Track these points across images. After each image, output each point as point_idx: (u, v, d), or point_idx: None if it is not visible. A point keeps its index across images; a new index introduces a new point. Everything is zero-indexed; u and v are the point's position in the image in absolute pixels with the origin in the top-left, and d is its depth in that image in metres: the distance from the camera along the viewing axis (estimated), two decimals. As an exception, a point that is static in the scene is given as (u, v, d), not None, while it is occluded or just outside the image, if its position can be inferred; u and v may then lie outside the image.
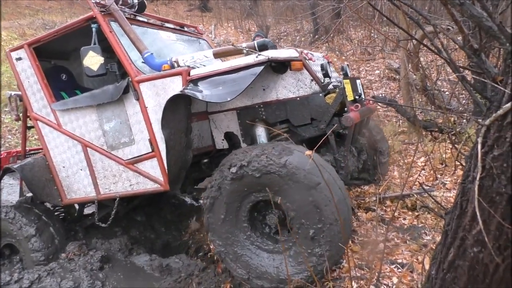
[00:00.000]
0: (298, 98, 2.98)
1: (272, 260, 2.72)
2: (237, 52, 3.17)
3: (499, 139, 1.22)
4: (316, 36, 13.33)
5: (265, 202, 2.74)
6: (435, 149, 4.79)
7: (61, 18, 15.74)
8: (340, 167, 2.98)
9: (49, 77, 3.69)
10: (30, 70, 3.56)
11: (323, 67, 3.19)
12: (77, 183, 3.59)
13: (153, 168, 3.18)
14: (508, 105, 1.17)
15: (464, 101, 6.17)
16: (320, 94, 2.95)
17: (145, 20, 3.69)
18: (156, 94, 2.99)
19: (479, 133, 1.24)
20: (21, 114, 4.08)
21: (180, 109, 2.86)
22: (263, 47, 2.97)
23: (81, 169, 3.53)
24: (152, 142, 3.10)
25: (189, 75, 2.89)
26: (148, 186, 3.25)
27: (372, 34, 11.86)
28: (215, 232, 2.85)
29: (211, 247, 3.78)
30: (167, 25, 3.98)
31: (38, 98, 3.60)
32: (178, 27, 4.17)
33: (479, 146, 1.23)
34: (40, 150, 4.71)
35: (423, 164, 4.71)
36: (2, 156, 4.36)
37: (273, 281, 2.67)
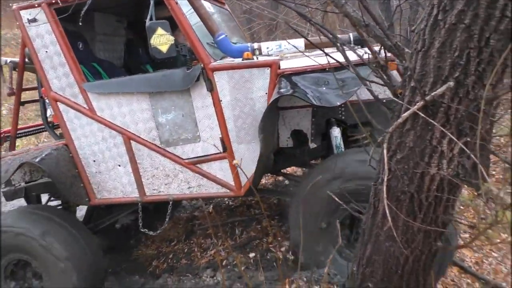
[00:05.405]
0: (384, 100, 2.80)
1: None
2: (332, 44, 2.93)
3: (401, 144, 1.39)
4: (254, 50, 13.68)
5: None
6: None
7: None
8: None
9: None
10: (50, 37, 2.86)
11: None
12: (113, 181, 3.04)
13: (222, 170, 2.79)
14: (406, 114, 1.34)
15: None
16: None
17: None
18: (234, 87, 2.61)
19: (384, 140, 1.39)
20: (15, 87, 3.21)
21: (274, 109, 2.53)
22: (359, 42, 2.69)
23: (119, 165, 2.99)
24: (225, 141, 2.71)
25: (279, 67, 2.50)
26: (213, 190, 2.86)
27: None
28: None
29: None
30: None
31: (60, 74, 2.94)
32: None
33: (385, 151, 1.39)
34: (31, 129, 3.96)
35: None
36: None
37: None
